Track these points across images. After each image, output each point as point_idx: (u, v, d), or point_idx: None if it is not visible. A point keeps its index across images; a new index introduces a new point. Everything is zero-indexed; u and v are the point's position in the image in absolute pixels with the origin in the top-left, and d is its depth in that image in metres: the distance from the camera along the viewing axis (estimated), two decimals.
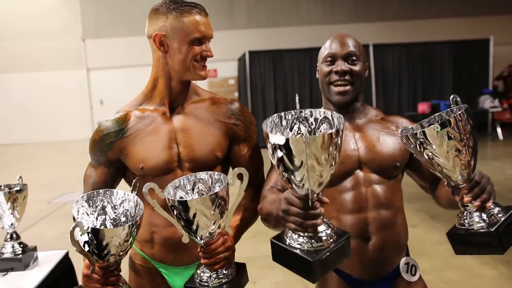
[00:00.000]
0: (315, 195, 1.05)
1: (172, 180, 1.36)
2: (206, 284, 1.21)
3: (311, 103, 11.03)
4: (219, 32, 13.85)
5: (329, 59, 1.46)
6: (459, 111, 1.14)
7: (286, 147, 0.98)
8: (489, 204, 1.16)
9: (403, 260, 1.47)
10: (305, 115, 1.15)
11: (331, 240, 1.08)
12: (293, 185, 1.05)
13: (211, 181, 1.24)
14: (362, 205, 1.41)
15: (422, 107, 10.45)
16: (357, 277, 1.44)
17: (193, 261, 1.49)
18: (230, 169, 1.55)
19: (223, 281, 1.21)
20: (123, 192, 1.23)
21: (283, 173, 1.03)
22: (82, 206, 1.20)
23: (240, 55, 11.85)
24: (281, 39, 13.02)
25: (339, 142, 1.02)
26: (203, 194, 1.23)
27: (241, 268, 1.28)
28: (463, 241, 1.20)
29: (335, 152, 1.02)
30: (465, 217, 1.19)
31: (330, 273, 1.47)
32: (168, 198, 1.15)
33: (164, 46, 1.38)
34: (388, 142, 1.45)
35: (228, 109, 1.49)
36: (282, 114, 1.14)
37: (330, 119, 1.11)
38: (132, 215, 1.21)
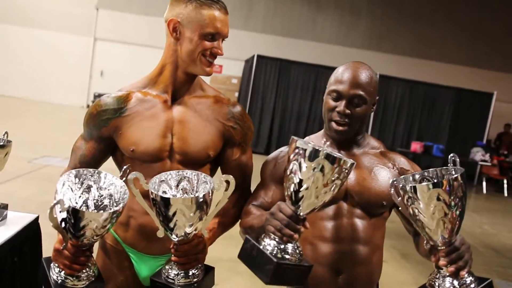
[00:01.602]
0: (303, 214, 1.15)
1: (160, 169, 1.35)
2: (172, 281, 1.20)
3: (309, 119, 11.07)
4: (232, 30, 13.76)
5: (334, 94, 1.41)
6: (455, 174, 1.12)
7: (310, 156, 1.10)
8: (463, 273, 1.14)
9: None
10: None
11: (296, 258, 1.16)
12: (291, 200, 1.15)
13: (197, 182, 1.22)
14: (340, 236, 1.38)
15: (415, 146, 10.52)
16: None
17: (163, 253, 1.47)
18: (219, 170, 1.53)
19: (190, 281, 1.21)
20: (112, 177, 1.21)
21: (289, 188, 1.15)
22: (69, 180, 1.17)
23: (248, 57, 11.87)
24: (291, 50, 13.07)
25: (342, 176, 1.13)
26: (186, 193, 1.21)
27: (209, 272, 1.27)
28: None
29: (338, 181, 1.13)
30: (437, 279, 1.17)
31: None
32: (152, 191, 1.14)
33: (176, 33, 1.37)
34: (380, 179, 1.41)
35: (229, 111, 1.46)
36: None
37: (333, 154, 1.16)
38: (116, 200, 1.19)
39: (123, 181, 1.20)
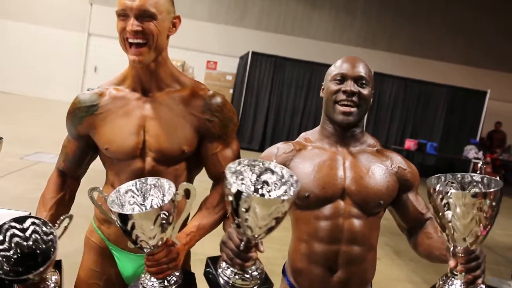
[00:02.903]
0: (253, 242, 1.12)
1: (137, 167, 1.35)
2: None
3: (303, 116, 11.07)
4: (227, 26, 13.87)
5: (338, 77, 1.41)
6: (496, 187, 1.11)
7: (236, 197, 1.05)
8: (479, 281, 1.13)
9: None
10: (272, 168, 1.18)
11: (254, 283, 1.16)
12: (236, 227, 1.11)
13: (161, 187, 1.18)
14: (335, 237, 1.36)
15: (409, 143, 10.55)
16: None
17: None
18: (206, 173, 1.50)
19: None
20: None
21: (232, 215, 1.09)
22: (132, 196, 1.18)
23: (243, 54, 11.84)
24: (286, 47, 13.05)
25: (283, 211, 1.07)
26: (152, 201, 1.19)
27: (189, 279, 1.25)
28: None
29: (280, 216, 1.07)
30: (449, 283, 1.15)
31: None
32: (109, 207, 1.11)
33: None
34: (377, 177, 1.40)
35: (205, 104, 1.39)
36: (253, 162, 1.18)
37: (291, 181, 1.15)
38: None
39: (89, 196, 1.17)
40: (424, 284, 3.80)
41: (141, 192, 1.19)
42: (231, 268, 1.15)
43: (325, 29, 13.81)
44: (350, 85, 1.39)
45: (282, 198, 1.10)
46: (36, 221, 1.18)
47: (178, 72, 1.46)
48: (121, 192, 1.17)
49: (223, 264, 1.17)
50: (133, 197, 1.19)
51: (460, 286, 1.13)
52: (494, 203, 1.06)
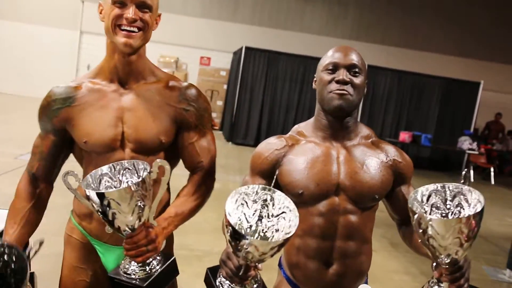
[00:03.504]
0: (253, 264, 1.12)
1: (116, 158, 1.35)
2: (129, 276, 1.17)
3: (297, 110, 11.07)
4: (220, 22, 13.81)
5: (330, 67, 1.38)
6: (474, 200, 1.11)
7: (236, 237, 1.06)
8: None
9: (360, 287, 1.42)
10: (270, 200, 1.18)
11: None
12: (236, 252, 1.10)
13: (136, 170, 1.19)
14: (330, 233, 1.36)
15: (404, 136, 10.58)
16: None
17: None
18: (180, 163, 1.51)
19: (149, 273, 1.18)
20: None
21: (231, 244, 1.09)
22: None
23: (237, 49, 11.81)
24: (280, 41, 13.02)
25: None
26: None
27: (169, 261, 1.24)
28: None
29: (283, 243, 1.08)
30: None
31: (285, 284, 1.46)
32: (84, 190, 1.11)
33: (101, 15, 1.37)
34: (372, 172, 1.38)
35: (181, 94, 1.43)
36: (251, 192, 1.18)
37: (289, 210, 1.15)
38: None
39: (63, 181, 1.16)
40: (421, 276, 3.82)
41: (117, 176, 1.19)
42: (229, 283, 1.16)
43: (318, 22, 13.79)
44: (342, 74, 1.36)
45: (284, 238, 1.09)
46: (7, 250, 1.13)
47: (153, 66, 1.49)
48: (96, 176, 1.17)
49: (222, 279, 1.17)
50: (108, 181, 1.19)
51: None
52: (474, 225, 1.06)
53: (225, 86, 12.51)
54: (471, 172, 10.70)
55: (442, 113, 11.51)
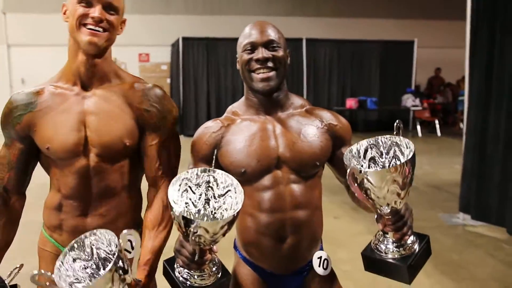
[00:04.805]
0: (206, 247, 1.14)
1: (80, 165, 1.34)
2: None
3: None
4: (154, 16, 13.51)
5: (248, 47, 1.38)
6: (404, 146, 1.16)
7: (184, 223, 1.07)
8: (406, 237, 1.19)
9: (316, 254, 1.44)
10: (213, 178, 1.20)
11: (213, 279, 1.19)
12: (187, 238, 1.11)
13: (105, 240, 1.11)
14: (279, 205, 1.37)
15: (350, 102, 10.88)
16: (269, 270, 1.44)
17: None
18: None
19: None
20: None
21: (181, 232, 1.11)
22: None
23: (174, 41, 11.64)
24: (217, 27, 12.91)
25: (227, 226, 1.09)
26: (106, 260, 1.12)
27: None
28: (374, 264, 1.23)
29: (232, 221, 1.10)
30: (381, 242, 1.22)
31: (242, 264, 1.48)
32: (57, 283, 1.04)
33: (65, 15, 1.34)
34: (309, 139, 1.39)
35: (143, 95, 1.39)
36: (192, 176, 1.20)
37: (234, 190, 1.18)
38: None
39: (33, 282, 1.04)
40: None
41: (86, 252, 1.12)
42: (187, 270, 1.18)
43: (252, 3, 13.76)
44: (261, 52, 1.36)
45: (232, 214, 1.11)
46: None
47: (119, 69, 1.47)
48: (66, 266, 1.09)
49: (180, 268, 1.19)
50: (85, 267, 1.11)
51: (392, 243, 1.21)
52: (407, 172, 1.11)
53: (168, 80, 12.32)
54: (418, 127, 11.16)
55: (383, 76, 11.89)
